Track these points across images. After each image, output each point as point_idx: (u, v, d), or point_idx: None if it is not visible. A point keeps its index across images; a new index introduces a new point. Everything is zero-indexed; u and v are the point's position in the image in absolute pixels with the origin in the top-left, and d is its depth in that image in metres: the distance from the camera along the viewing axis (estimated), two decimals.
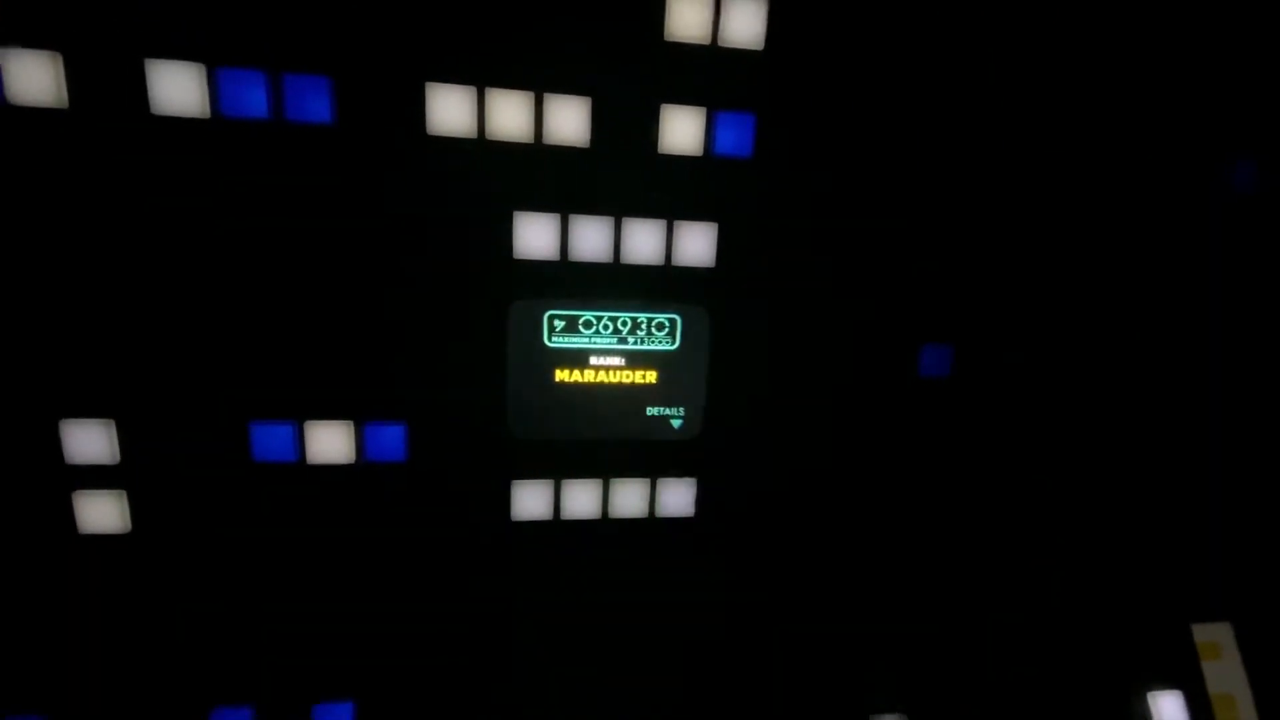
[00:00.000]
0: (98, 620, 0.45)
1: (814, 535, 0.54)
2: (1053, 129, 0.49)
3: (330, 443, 0.45)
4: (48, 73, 0.37)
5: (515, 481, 0.49)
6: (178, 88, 0.38)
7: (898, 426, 0.53)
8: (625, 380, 0.48)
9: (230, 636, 0.46)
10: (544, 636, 0.50)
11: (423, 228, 0.43)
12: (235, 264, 0.42)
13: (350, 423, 0.45)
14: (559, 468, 0.49)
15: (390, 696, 0.47)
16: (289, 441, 0.45)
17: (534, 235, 0.45)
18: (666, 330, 0.48)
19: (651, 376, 0.49)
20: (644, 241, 0.46)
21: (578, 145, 0.44)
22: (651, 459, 0.50)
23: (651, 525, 0.51)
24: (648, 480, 0.50)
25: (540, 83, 0.42)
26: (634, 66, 0.43)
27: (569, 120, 0.43)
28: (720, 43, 0.44)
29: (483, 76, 0.42)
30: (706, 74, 0.44)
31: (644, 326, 0.48)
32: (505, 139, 0.43)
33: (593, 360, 0.48)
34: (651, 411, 0.49)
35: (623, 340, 0.48)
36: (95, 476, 0.43)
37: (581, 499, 0.50)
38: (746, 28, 0.44)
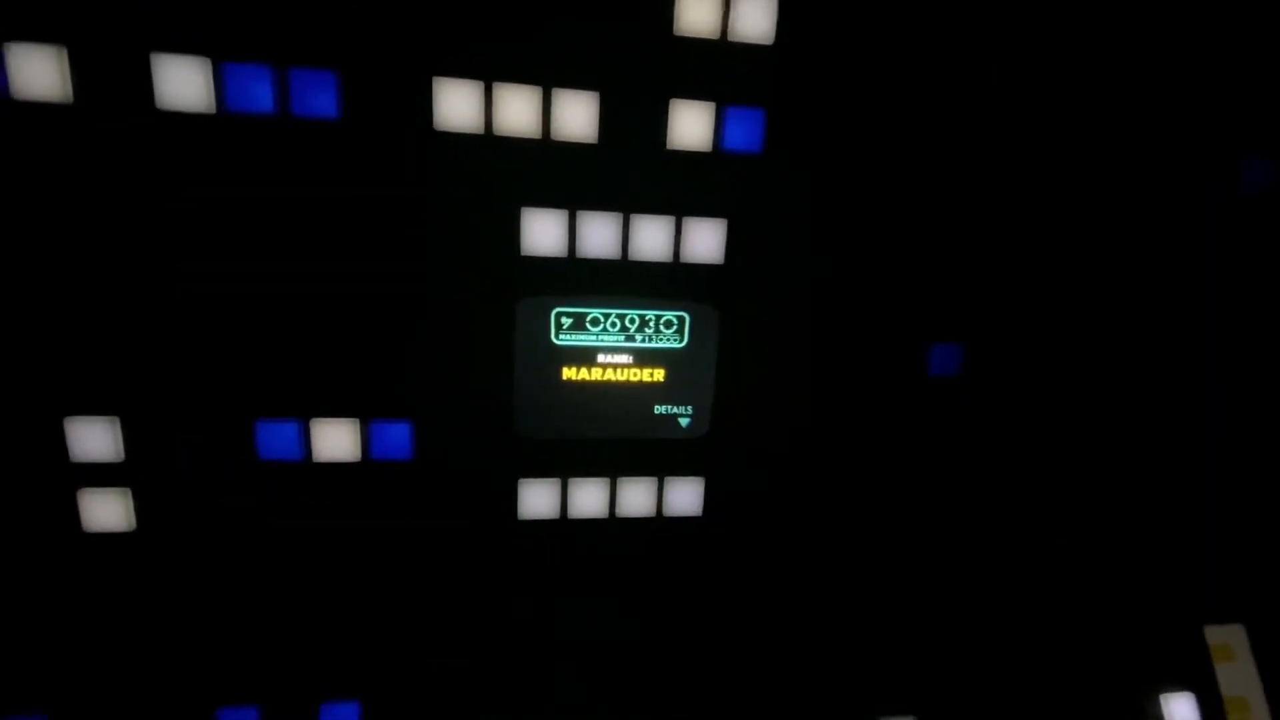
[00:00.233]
0: (102, 619, 0.44)
1: (822, 534, 0.53)
2: (1064, 126, 0.48)
3: (336, 441, 0.45)
4: (53, 67, 0.37)
5: (522, 480, 0.48)
6: (183, 82, 0.38)
7: (906, 425, 0.52)
8: (633, 378, 0.48)
9: (235, 635, 0.46)
10: (547, 636, 0.49)
11: (429, 224, 0.43)
12: (240, 260, 0.41)
13: (356, 420, 0.45)
14: (566, 466, 0.49)
15: (396, 695, 0.47)
16: (294, 439, 0.44)
17: (541, 232, 0.44)
18: (675, 328, 0.48)
19: (659, 374, 0.48)
20: (652, 238, 0.46)
21: (586, 141, 0.43)
22: (659, 457, 0.50)
23: (659, 524, 0.51)
24: (655, 479, 0.50)
25: (548, 78, 0.42)
26: (643, 61, 0.43)
27: (577, 116, 0.43)
28: (730, 38, 0.43)
29: (490, 71, 0.41)
30: (716, 69, 0.44)
31: (652, 324, 0.47)
32: (512, 135, 0.42)
33: (600, 358, 0.47)
34: (659, 410, 0.49)
35: (630, 338, 0.47)
36: (100, 474, 0.43)
37: (588, 498, 0.49)
38: (756, 22, 0.43)
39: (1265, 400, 0.56)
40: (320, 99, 0.40)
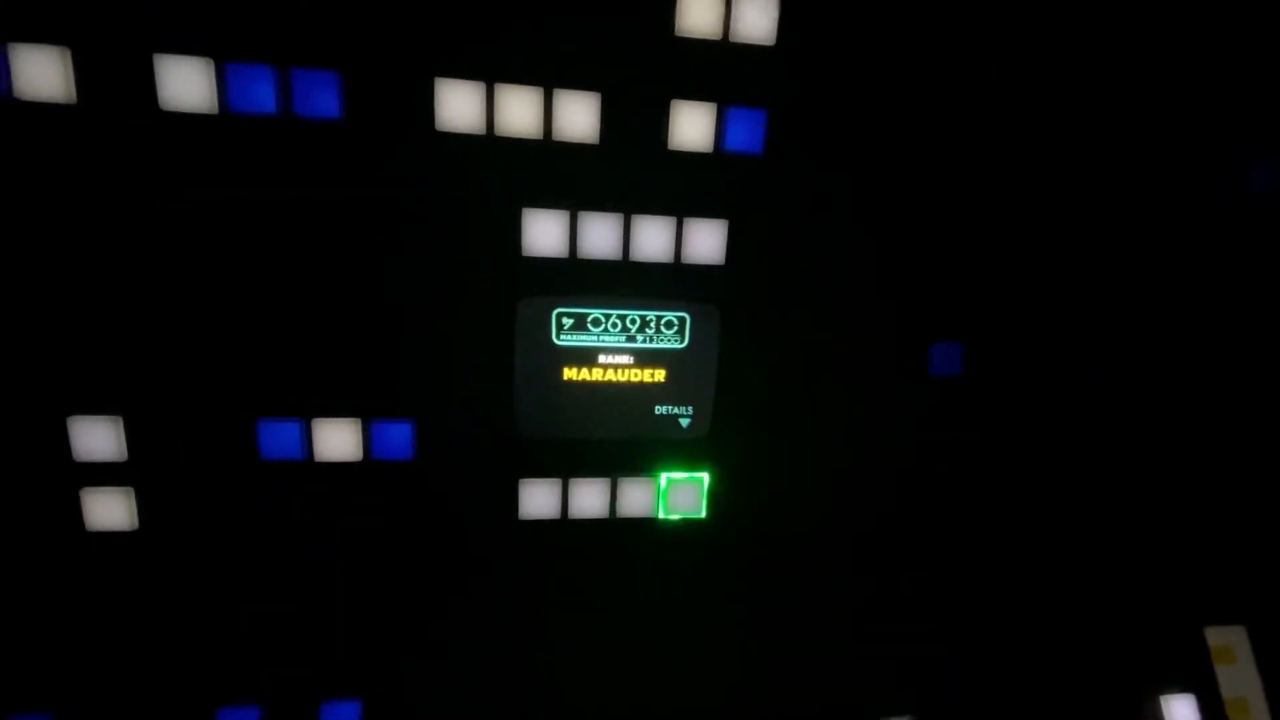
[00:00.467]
0: (104, 618, 0.44)
1: (822, 535, 0.53)
2: (1066, 126, 0.48)
3: (338, 441, 0.45)
4: (56, 68, 0.37)
5: (523, 480, 0.48)
6: (186, 83, 0.38)
7: (908, 425, 0.52)
8: (634, 379, 0.48)
9: (236, 635, 0.46)
10: (551, 636, 0.49)
11: (430, 224, 0.43)
12: (243, 260, 0.41)
13: (358, 420, 0.45)
14: (567, 466, 0.49)
15: (397, 695, 0.47)
16: (296, 439, 0.44)
17: (542, 232, 0.44)
18: (675, 328, 0.48)
19: (660, 375, 0.48)
20: (653, 239, 0.46)
21: (587, 142, 0.43)
22: (660, 458, 0.50)
23: (659, 524, 0.51)
24: (655, 479, 0.50)
25: (550, 79, 0.42)
26: (644, 62, 0.43)
27: (578, 116, 0.43)
28: (731, 38, 0.43)
29: (492, 72, 0.41)
30: (717, 70, 0.44)
31: (653, 324, 0.47)
32: (514, 135, 0.42)
33: (601, 358, 0.47)
34: (660, 410, 0.49)
35: (631, 338, 0.47)
36: (103, 473, 0.43)
37: (589, 498, 0.49)
38: (758, 23, 0.43)
39: (1266, 401, 0.56)
40: (322, 99, 0.40)
